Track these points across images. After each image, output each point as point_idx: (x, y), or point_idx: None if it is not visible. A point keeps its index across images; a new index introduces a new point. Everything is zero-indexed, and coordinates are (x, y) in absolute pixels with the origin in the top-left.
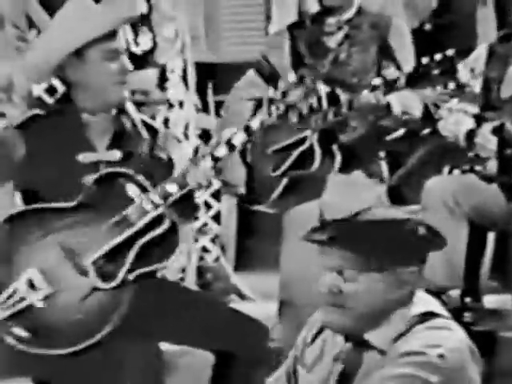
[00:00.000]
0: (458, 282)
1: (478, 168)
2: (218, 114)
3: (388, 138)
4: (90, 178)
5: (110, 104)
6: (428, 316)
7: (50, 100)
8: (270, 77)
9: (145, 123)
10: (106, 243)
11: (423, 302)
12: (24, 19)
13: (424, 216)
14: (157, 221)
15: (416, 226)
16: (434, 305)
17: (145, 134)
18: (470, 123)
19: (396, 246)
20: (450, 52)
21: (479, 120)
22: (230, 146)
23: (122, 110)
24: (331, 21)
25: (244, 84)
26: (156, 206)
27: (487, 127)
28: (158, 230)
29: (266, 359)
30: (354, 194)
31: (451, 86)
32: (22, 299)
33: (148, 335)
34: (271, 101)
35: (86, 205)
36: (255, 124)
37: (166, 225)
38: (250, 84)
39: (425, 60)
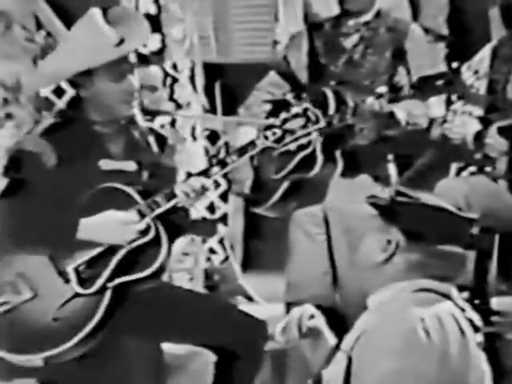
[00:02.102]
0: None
1: (487, 169)
2: (225, 114)
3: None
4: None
5: (119, 119)
6: None
7: (57, 101)
8: (290, 76)
9: (153, 131)
10: (90, 250)
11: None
12: (32, 20)
13: None
14: (142, 231)
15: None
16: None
17: (153, 142)
18: (476, 125)
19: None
20: (455, 64)
21: (485, 122)
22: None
23: (131, 120)
24: (350, 23)
25: (266, 84)
26: (142, 216)
27: (494, 128)
28: (143, 240)
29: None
30: (359, 197)
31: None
32: (5, 303)
33: (149, 334)
34: (269, 126)
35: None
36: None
37: (150, 235)
38: (272, 84)
39: (430, 71)
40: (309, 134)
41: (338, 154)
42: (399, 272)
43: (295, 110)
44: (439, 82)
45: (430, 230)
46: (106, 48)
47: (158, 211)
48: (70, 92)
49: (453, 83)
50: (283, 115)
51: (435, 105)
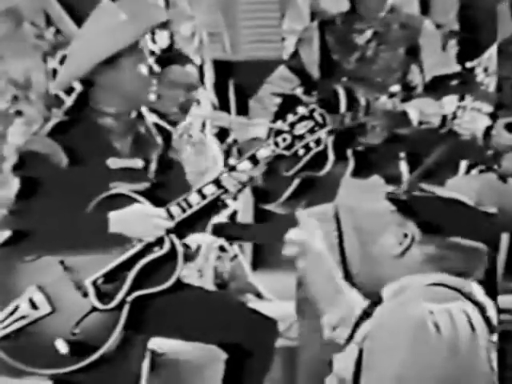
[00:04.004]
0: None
1: (495, 167)
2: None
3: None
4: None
5: (138, 106)
6: None
7: (67, 98)
8: (301, 72)
9: (158, 126)
10: (107, 263)
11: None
12: (42, 17)
13: None
14: (157, 243)
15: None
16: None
17: (158, 137)
18: (486, 121)
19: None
20: (469, 64)
21: (493, 118)
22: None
23: (140, 115)
24: (360, 16)
25: (276, 78)
26: (171, 217)
27: (500, 123)
28: (158, 253)
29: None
30: (371, 195)
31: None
32: (23, 317)
33: (157, 332)
34: (278, 132)
35: None
36: (261, 155)
37: (166, 248)
38: (282, 78)
39: (443, 71)
40: (319, 139)
41: (349, 152)
42: (416, 264)
43: (301, 111)
44: (453, 82)
45: (446, 224)
46: (122, 32)
47: (188, 213)
48: (79, 89)
49: (467, 83)
50: (290, 118)
51: (448, 103)
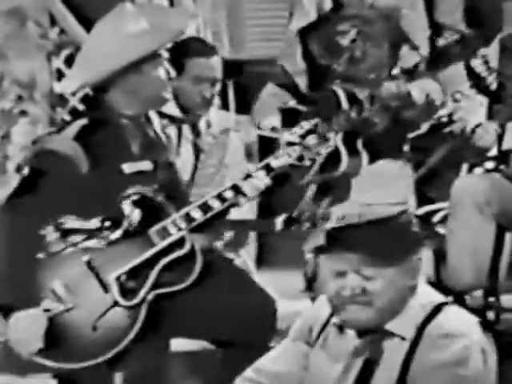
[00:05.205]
0: (484, 282)
1: (502, 167)
2: (238, 111)
3: (411, 135)
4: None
5: (154, 108)
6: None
7: (71, 98)
8: (290, 85)
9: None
10: (130, 260)
11: (426, 291)
12: (46, 16)
13: (453, 214)
14: (178, 243)
15: (409, 218)
16: (437, 294)
17: (164, 141)
18: (481, 115)
19: (396, 239)
20: (467, 30)
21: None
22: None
23: (147, 118)
24: (342, 16)
25: (266, 95)
26: (179, 229)
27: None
28: (179, 252)
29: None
30: (385, 185)
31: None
32: (46, 311)
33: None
34: (289, 143)
35: (111, 220)
36: (276, 164)
37: (186, 248)
38: (272, 95)
39: (441, 41)
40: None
41: (359, 145)
42: None
43: (306, 125)
44: (454, 51)
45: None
46: (142, 43)
47: (194, 224)
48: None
49: (466, 46)
50: (298, 131)
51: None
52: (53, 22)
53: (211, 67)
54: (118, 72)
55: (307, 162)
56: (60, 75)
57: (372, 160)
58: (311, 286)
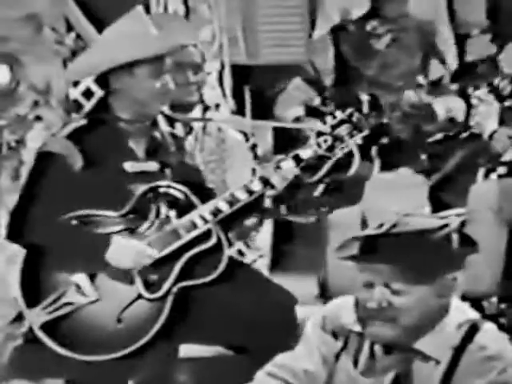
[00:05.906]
0: (499, 289)
1: None
2: (254, 116)
3: (428, 140)
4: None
5: (147, 117)
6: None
7: (86, 103)
8: (316, 81)
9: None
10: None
11: (460, 308)
12: (62, 22)
13: (470, 220)
14: (205, 235)
15: (450, 233)
16: (471, 311)
17: (172, 144)
18: (495, 120)
19: (432, 254)
20: (493, 50)
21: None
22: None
23: (155, 122)
24: (375, 23)
25: (291, 89)
26: (205, 222)
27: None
28: (205, 245)
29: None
30: (398, 194)
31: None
32: (68, 304)
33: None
34: (320, 133)
35: (134, 213)
36: (305, 154)
37: (213, 240)
38: (297, 89)
39: (469, 58)
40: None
41: (374, 151)
42: None
43: (340, 115)
44: (479, 70)
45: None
46: (148, 43)
47: (221, 216)
48: (99, 94)
49: (493, 70)
50: (330, 121)
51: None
52: (69, 27)
53: (189, 53)
54: (115, 72)
55: (339, 153)
56: (76, 81)
57: (387, 167)
58: (325, 291)
